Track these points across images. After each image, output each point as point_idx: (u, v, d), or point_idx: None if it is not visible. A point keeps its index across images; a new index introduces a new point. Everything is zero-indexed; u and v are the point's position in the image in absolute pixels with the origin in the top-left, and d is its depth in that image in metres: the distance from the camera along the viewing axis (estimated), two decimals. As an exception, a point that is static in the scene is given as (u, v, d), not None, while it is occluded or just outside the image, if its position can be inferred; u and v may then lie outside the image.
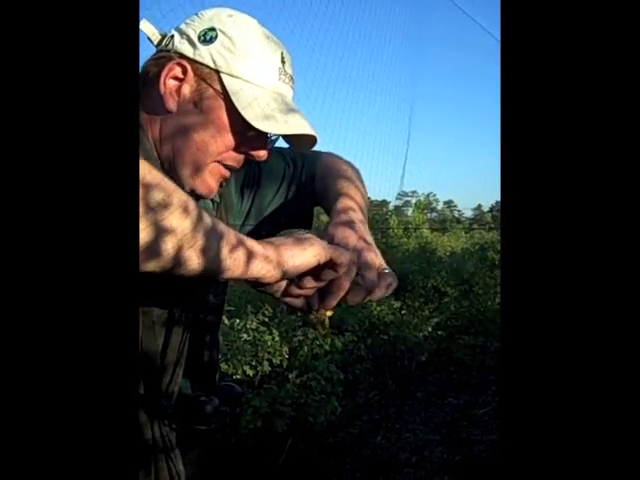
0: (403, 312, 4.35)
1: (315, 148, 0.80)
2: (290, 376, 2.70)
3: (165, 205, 0.51)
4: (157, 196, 0.51)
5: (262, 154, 0.76)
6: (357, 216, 0.77)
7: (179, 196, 0.53)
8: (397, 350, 3.96)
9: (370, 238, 0.75)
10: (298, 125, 0.72)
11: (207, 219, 0.56)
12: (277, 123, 0.71)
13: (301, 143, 0.78)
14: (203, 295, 0.80)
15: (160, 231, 0.51)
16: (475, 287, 5.41)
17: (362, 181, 0.91)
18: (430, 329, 4.11)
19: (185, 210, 0.53)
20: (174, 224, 0.52)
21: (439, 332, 4.22)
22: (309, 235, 0.66)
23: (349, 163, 0.94)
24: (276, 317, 3.28)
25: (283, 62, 0.75)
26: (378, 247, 0.74)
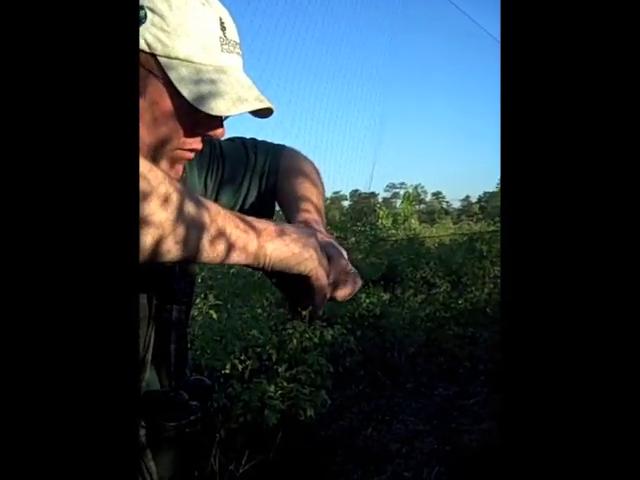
0: (392, 304, 4.36)
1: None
2: (279, 369, 2.69)
3: (145, 195, 0.50)
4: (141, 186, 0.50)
5: (220, 132, 0.73)
6: (314, 217, 0.80)
7: (162, 187, 0.53)
8: (386, 342, 3.97)
9: (331, 241, 0.76)
10: (250, 100, 0.69)
11: (190, 209, 0.55)
12: (226, 102, 0.66)
13: (259, 111, 0.73)
14: (170, 288, 0.78)
15: (140, 222, 0.50)
16: (464, 278, 5.44)
17: (321, 180, 0.93)
18: (419, 320, 4.13)
19: (165, 201, 0.52)
20: (154, 215, 0.51)
21: (428, 323, 4.24)
22: (312, 241, 0.66)
23: (310, 161, 0.95)
24: (265, 311, 3.27)
25: (223, 29, 0.68)
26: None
